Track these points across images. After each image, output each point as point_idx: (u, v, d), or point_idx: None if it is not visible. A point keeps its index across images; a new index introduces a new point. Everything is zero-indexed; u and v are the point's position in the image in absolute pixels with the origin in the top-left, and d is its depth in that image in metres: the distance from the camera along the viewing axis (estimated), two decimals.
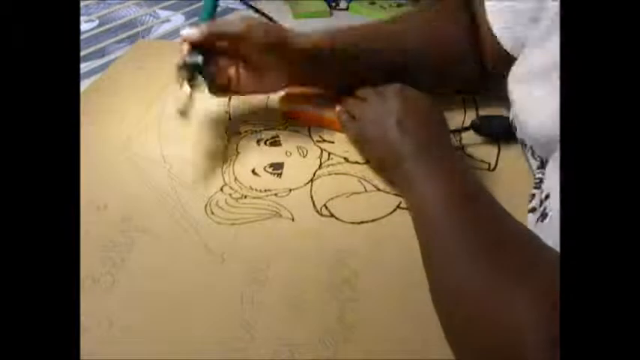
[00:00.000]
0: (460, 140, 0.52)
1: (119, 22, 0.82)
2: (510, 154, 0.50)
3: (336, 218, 0.43)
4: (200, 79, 0.46)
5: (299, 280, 0.37)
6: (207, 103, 0.58)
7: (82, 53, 0.73)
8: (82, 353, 0.28)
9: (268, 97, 0.59)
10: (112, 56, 0.74)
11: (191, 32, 0.45)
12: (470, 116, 0.55)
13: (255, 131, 0.53)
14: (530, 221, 0.40)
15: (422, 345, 0.33)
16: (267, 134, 0.53)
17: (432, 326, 0.34)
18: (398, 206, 0.44)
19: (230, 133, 0.53)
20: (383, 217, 0.43)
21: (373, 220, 0.43)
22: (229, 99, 0.59)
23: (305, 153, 0.51)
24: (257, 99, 0.59)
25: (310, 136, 0.53)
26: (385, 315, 0.35)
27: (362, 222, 0.43)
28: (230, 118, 0.56)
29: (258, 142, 0.52)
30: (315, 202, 0.45)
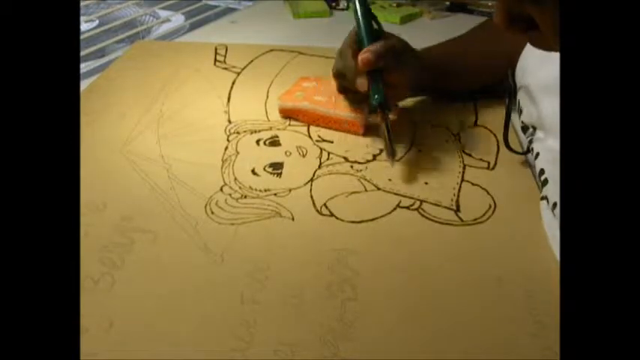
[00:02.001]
0: (459, 139, 0.52)
1: (119, 22, 0.82)
2: (509, 152, 0.50)
3: (336, 217, 0.43)
4: None
5: (299, 280, 0.37)
6: (206, 103, 0.59)
7: (82, 53, 0.73)
8: (82, 354, 0.28)
9: (267, 97, 0.60)
10: (112, 56, 0.74)
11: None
12: (468, 115, 0.55)
13: (255, 131, 0.54)
14: (542, 208, 0.43)
15: (422, 344, 0.33)
16: (266, 134, 0.53)
17: (431, 325, 0.34)
18: (398, 205, 0.44)
19: (229, 133, 0.53)
20: (383, 216, 0.43)
21: (373, 219, 0.43)
22: (228, 99, 0.59)
23: (304, 153, 0.51)
24: (256, 99, 0.59)
25: (310, 135, 0.53)
26: (385, 314, 0.35)
27: (362, 221, 0.43)
28: (229, 118, 0.56)
29: (257, 142, 0.52)
30: (315, 202, 0.45)
